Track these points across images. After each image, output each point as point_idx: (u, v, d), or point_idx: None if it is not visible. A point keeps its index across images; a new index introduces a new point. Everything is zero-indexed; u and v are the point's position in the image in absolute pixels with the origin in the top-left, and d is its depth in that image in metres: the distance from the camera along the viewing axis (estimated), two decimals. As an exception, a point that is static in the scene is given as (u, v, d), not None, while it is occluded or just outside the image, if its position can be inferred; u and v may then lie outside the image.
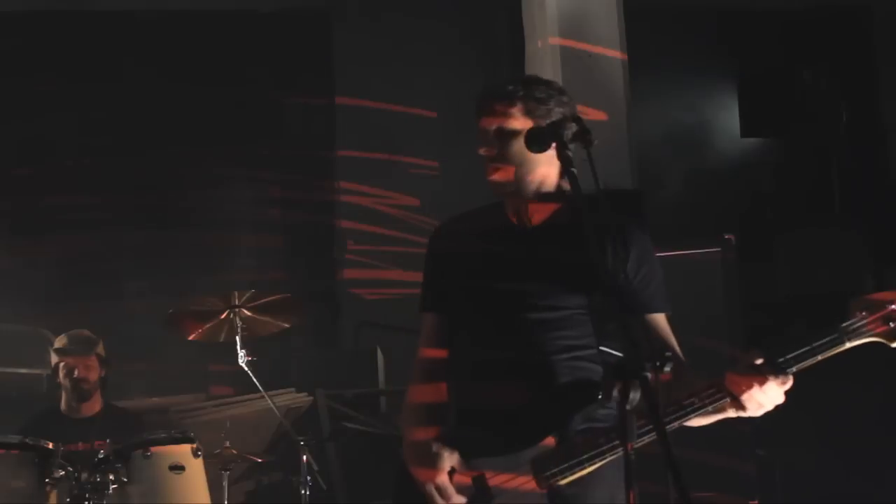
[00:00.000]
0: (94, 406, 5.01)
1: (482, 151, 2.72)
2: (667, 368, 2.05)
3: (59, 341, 5.05)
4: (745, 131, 7.66)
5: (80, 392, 4.95)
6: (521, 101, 2.69)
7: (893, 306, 2.35)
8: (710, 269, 4.87)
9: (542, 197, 2.73)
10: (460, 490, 2.60)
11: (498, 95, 2.72)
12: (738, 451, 4.58)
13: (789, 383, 2.42)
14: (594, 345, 2.65)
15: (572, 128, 2.54)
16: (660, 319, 2.75)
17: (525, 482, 2.54)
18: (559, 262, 2.67)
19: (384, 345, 6.68)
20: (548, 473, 2.52)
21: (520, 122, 2.67)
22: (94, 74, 7.25)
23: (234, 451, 4.62)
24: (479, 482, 2.58)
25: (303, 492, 4.54)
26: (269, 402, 4.84)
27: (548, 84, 2.77)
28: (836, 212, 7.45)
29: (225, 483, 4.60)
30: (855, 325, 2.36)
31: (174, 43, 7.39)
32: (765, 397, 2.42)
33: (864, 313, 2.36)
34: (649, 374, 2.04)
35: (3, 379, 5.78)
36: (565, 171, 2.47)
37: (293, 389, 5.98)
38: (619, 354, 2.62)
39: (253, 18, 7.58)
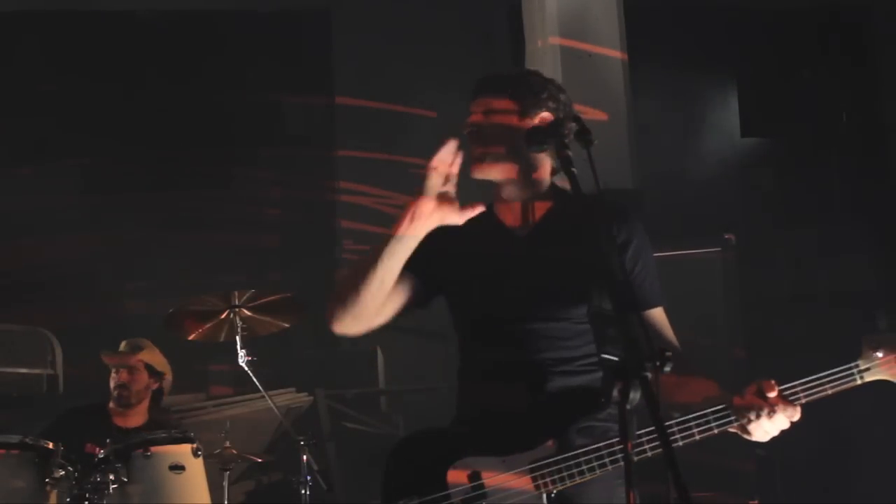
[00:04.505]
0: (137, 418, 4.92)
1: (465, 132, 2.68)
2: (667, 368, 2.04)
3: None
4: (745, 131, 7.66)
5: (119, 398, 4.86)
6: (509, 94, 2.65)
7: None
8: (710, 269, 4.87)
9: (530, 195, 2.71)
10: (455, 487, 2.58)
11: (486, 87, 2.69)
12: (738, 451, 4.59)
13: (798, 416, 2.42)
14: (593, 352, 2.63)
15: (573, 127, 2.53)
16: (658, 314, 2.71)
17: (523, 484, 2.54)
18: (556, 271, 2.63)
19: (384, 345, 6.68)
20: (547, 479, 2.52)
21: (506, 115, 2.64)
22: (94, 74, 7.25)
23: (234, 451, 4.61)
24: (474, 479, 2.58)
25: (303, 492, 4.53)
26: (269, 402, 4.83)
27: (541, 79, 2.73)
28: (837, 212, 7.45)
29: (225, 483, 4.60)
30: (868, 365, 2.43)
31: (174, 43, 7.39)
32: (772, 426, 2.43)
33: (877, 353, 2.43)
34: (649, 374, 2.03)
35: (3, 379, 5.78)
36: (565, 171, 2.45)
37: (293, 389, 5.99)
38: (617, 360, 2.63)
39: (253, 18, 7.58)
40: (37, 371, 5.80)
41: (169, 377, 5.02)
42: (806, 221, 7.23)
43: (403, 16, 7.46)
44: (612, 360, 2.63)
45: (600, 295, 2.59)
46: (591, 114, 5.54)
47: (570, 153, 2.45)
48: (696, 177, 7.60)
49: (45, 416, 5.01)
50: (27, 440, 4.11)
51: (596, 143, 2.50)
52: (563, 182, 2.61)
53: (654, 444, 2.41)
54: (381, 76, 7.46)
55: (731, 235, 4.90)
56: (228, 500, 4.61)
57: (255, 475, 5.78)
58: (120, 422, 4.89)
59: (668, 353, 2.04)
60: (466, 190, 2.68)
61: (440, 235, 2.64)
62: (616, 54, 5.80)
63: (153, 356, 4.97)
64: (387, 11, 7.45)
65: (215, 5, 7.55)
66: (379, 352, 6.65)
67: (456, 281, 2.76)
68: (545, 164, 2.70)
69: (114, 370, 4.91)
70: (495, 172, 2.68)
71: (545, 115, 2.65)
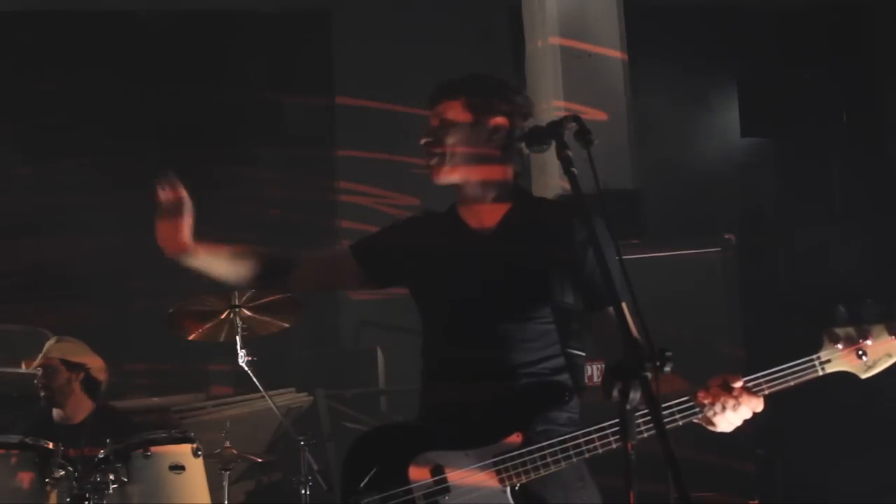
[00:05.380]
0: (82, 411, 4.91)
1: (422, 143, 2.75)
2: (667, 368, 2.04)
3: None
4: (745, 131, 7.66)
5: (45, 399, 4.88)
6: (461, 98, 2.71)
7: (866, 341, 2.50)
8: (710, 269, 4.87)
9: (492, 196, 2.73)
10: (417, 482, 2.56)
11: (440, 93, 2.76)
12: (738, 450, 4.59)
13: (761, 407, 2.48)
14: (559, 352, 2.63)
15: (573, 127, 2.53)
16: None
17: (486, 478, 2.53)
18: (521, 271, 2.64)
19: (384, 345, 6.69)
20: (511, 473, 2.52)
21: (460, 115, 2.70)
22: (94, 74, 7.25)
23: (234, 451, 4.61)
24: (437, 474, 2.57)
25: (303, 492, 4.53)
26: (269, 402, 4.84)
27: (494, 81, 2.79)
28: (836, 212, 7.45)
29: (225, 483, 4.59)
30: (829, 357, 2.51)
31: (174, 43, 7.39)
32: (736, 417, 2.48)
33: (838, 345, 2.52)
34: (649, 374, 2.03)
35: (3, 379, 5.77)
36: (565, 171, 2.45)
37: (293, 389, 5.99)
38: (583, 354, 2.67)
39: (253, 18, 7.59)
40: (37, 371, 5.79)
41: (95, 365, 4.94)
42: (806, 221, 7.22)
43: (403, 16, 7.46)
44: (579, 356, 2.66)
45: (563, 292, 2.61)
46: (591, 114, 5.54)
47: (570, 153, 2.45)
48: (696, 177, 7.60)
49: (46, 416, 5.02)
50: (27, 440, 4.11)
51: (596, 143, 2.50)
52: (563, 181, 2.63)
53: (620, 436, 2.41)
54: (381, 76, 7.46)
55: (731, 235, 4.90)
56: (228, 500, 4.61)
57: (255, 475, 5.78)
58: (66, 421, 4.88)
59: (669, 353, 2.04)
60: (441, 190, 2.74)
61: (402, 233, 2.79)
62: (616, 54, 5.81)
63: (64, 350, 4.91)
64: (387, 12, 7.45)
65: (215, 5, 7.55)
66: (379, 352, 6.65)
67: (419, 282, 2.79)
68: (506, 164, 2.73)
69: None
70: (455, 176, 2.72)
71: (498, 119, 2.70)
